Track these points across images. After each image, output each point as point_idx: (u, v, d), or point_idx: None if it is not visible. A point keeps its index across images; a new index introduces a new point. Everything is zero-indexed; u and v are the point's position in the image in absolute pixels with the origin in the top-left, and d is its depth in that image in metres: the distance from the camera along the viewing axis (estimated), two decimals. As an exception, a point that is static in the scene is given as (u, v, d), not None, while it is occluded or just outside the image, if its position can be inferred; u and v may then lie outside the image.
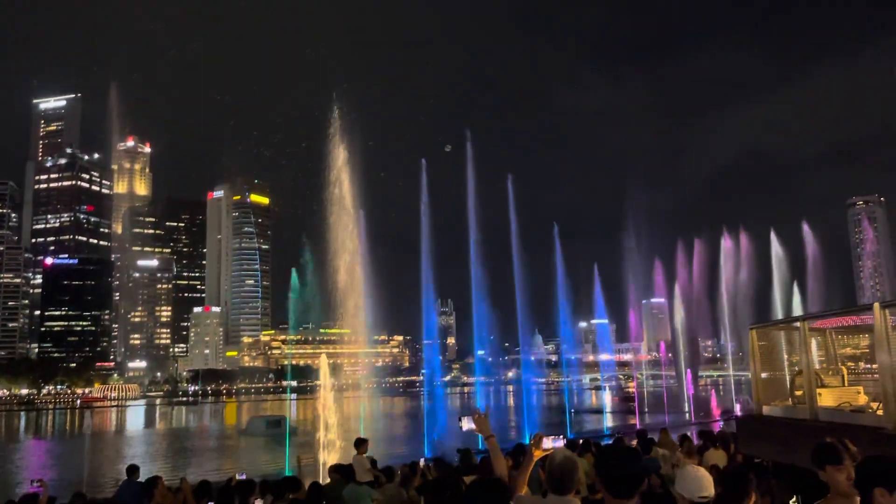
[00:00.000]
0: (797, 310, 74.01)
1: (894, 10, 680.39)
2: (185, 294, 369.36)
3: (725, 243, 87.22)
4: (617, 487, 3.94)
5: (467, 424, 6.36)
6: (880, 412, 9.84)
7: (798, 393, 12.73)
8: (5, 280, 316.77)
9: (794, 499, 13.49)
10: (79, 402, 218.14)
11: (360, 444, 14.61)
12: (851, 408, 11.23)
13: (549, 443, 5.91)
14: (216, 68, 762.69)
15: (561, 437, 6.10)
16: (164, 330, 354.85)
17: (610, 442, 17.79)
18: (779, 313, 75.26)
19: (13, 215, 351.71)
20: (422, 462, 23.15)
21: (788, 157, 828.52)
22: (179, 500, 12.27)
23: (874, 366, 10.55)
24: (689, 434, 18.82)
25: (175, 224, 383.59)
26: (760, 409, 14.19)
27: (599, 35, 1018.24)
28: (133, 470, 15.69)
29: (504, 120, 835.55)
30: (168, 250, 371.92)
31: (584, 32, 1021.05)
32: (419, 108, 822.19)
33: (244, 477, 15.03)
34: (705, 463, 13.48)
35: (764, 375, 14.65)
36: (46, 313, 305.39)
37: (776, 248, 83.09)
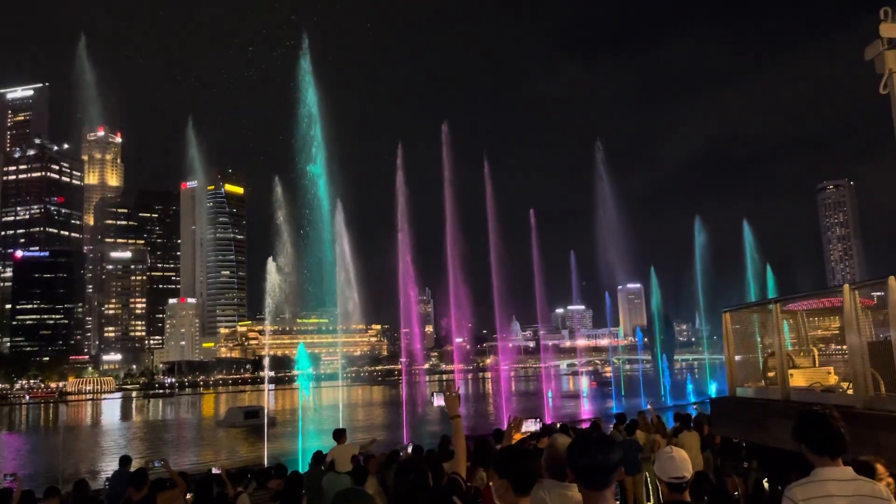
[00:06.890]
0: (770, 292, 75.10)
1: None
2: (160, 285, 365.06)
3: (699, 227, 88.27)
4: (590, 478, 3.55)
5: (438, 401, 6.50)
6: (850, 391, 10.04)
7: (770, 374, 12.94)
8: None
9: (765, 479, 13.73)
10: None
11: (340, 434, 14.60)
12: (822, 388, 11.44)
13: (529, 425, 6.04)
14: (188, 55, 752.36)
15: (539, 420, 6.24)
16: (139, 322, 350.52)
17: (582, 428, 17.90)
18: (752, 296, 76.35)
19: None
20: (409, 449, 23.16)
21: (761, 143, 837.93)
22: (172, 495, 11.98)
23: (844, 347, 10.76)
24: (659, 416, 19.07)
25: (148, 215, 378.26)
26: (734, 390, 14.40)
27: (573, 23, 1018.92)
28: (126, 461, 15.58)
29: (479, 105, 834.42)
30: (142, 241, 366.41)
31: (559, 20, 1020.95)
32: (394, 94, 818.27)
33: (219, 471, 14.97)
34: (679, 444, 13.69)
35: (737, 358, 14.86)
36: (18, 307, 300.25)
37: (749, 231, 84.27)
